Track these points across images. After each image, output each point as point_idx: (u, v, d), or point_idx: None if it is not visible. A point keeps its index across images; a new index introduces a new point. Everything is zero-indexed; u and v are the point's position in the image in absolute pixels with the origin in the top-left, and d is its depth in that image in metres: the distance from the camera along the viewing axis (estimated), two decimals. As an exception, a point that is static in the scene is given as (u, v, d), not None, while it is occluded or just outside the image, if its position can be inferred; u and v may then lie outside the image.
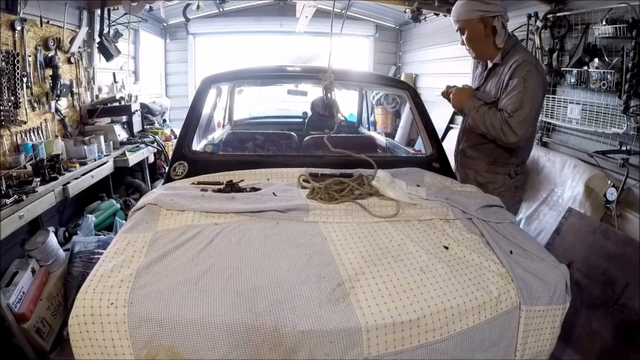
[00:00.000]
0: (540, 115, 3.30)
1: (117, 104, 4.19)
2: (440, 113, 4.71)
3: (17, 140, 2.85)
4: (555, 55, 3.05)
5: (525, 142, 2.13)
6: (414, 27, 6.20)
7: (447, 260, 1.43)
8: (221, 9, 5.75)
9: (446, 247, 1.51)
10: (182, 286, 1.24)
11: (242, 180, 1.98)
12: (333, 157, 2.16)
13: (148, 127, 4.63)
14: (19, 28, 2.82)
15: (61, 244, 2.77)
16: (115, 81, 4.60)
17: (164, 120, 5.32)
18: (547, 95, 3.22)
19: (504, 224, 1.74)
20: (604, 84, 2.58)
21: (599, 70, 2.62)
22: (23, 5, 2.87)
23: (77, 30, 3.67)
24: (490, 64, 2.23)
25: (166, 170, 2.25)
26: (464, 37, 2.20)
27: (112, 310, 1.16)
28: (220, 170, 2.04)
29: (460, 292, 1.30)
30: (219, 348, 1.13)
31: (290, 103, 5.53)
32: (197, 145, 2.66)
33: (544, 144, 3.38)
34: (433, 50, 5.68)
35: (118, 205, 3.63)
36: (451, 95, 2.29)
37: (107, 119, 3.87)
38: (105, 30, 4.03)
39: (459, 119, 2.94)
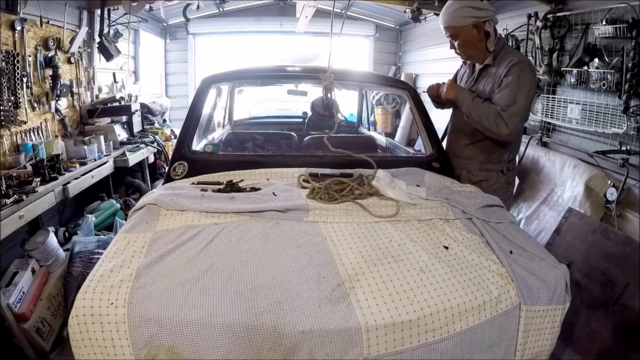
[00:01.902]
0: (540, 115, 3.31)
1: (117, 104, 4.18)
2: (441, 113, 4.70)
3: (17, 140, 2.85)
4: (555, 55, 3.05)
5: (515, 137, 2.16)
6: (414, 27, 6.20)
7: (447, 260, 1.43)
8: (221, 9, 5.75)
9: (446, 247, 1.51)
10: (182, 286, 1.24)
11: (242, 180, 1.98)
12: (333, 157, 2.16)
13: (148, 127, 4.62)
14: (19, 28, 2.82)
15: (61, 244, 2.77)
16: (115, 81, 4.60)
17: (164, 120, 5.32)
18: (547, 95, 3.23)
19: (504, 223, 1.75)
20: (604, 84, 2.58)
21: (599, 70, 2.61)
22: (23, 5, 2.86)
23: (77, 30, 3.66)
24: (479, 66, 2.24)
25: (166, 170, 2.25)
26: (456, 43, 2.20)
27: (112, 310, 1.16)
28: (220, 170, 2.04)
29: (460, 292, 1.30)
30: (219, 348, 1.13)
31: (290, 103, 5.53)
32: (197, 145, 2.66)
33: (544, 144, 3.38)
34: (433, 50, 5.68)
35: (118, 205, 3.63)
36: (444, 87, 2.27)
37: (107, 119, 3.86)
38: (105, 30, 4.02)
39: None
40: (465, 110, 2.17)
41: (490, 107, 2.08)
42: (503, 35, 3.59)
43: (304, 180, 1.96)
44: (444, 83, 2.33)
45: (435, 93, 2.35)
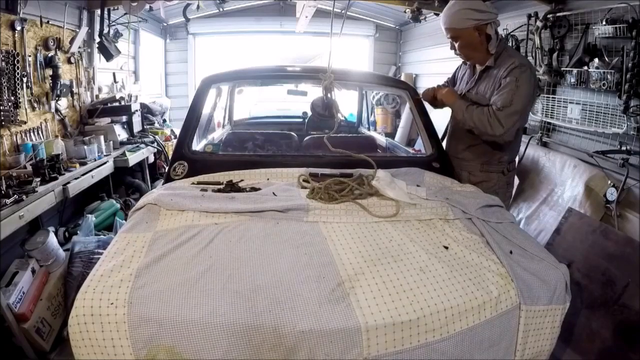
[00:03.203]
0: (540, 115, 3.31)
1: (117, 104, 4.18)
2: (440, 113, 4.70)
3: (17, 140, 2.85)
4: (555, 55, 3.05)
5: (511, 137, 2.12)
6: (414, 27, 6.20)
7: (446, 260, 1.43)
8: (221, 9, 5.75)
9: (446, 247, 1.51)
10: (181, 286, 1.24)
11: (242, 180, 1.98)
12: (333, 157, 2.16)
13: (148, 127, 4.62)
14: (19, 28, 2.82)
15: (61, 244, 2.77)
16: (115, 81, 4.60)
17: (164, 120, 5.32)
18: (547, 95, 3.23)
19: (504, 223, 1.75)
20: (604, 84, 2.58)
21: (599, 70, 2.61)
22: (23, 5, 2.87)
23: (77, 30, 3.67)
24: (480, 67, 2.24)
25: (166, 170, 2.25)
26: (456, 44, 2.19)
27: (112, 310, 1.16)
28: (220, 170, 2.04)
29: (460, 292, 1.30)
30: (218, 348, 1.13)
31: (290, 103, 5.52)
32: (197, 145, 2.66)
33: (544, 144, 3.38)
34: (433, 50, 5.68)
35: (118, 205, 3.63)
36: (444, 90, 2.31)
37: (107, 119, 3.87)
38: (105, 30, 4.03)
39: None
40: (459, 117, 2.20)
41: (483, 111, 2.08)
42: (503, 35, 3.60)
43: (304, 180, 1.96)
44: (439, 86, 2.38)
45: (430, 98, 2.39)
